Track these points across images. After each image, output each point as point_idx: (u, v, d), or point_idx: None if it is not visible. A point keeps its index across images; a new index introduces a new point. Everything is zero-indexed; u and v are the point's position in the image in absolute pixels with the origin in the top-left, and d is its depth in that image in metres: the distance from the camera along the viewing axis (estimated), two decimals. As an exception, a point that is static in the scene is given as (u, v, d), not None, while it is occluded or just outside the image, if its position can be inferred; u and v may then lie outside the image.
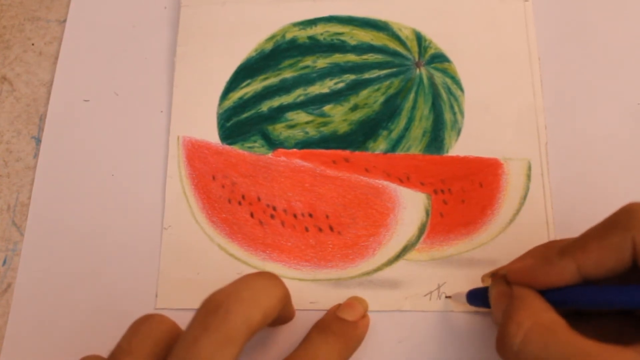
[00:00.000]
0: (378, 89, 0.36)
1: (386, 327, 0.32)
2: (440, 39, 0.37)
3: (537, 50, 0.37)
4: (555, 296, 0.25)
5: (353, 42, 0.37)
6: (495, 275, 0.28)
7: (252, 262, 0.33)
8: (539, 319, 0.24)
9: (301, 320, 0.31)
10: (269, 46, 0.38)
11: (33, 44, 0.40)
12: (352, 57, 0.37)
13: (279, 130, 0.36)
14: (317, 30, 0.38)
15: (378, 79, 0.36)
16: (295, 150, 0.35)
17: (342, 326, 0.29)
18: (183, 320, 0.25)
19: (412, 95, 0.36)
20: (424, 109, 0.36)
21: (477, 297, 0.29)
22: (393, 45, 0.37)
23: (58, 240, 0.34)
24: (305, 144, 0.36)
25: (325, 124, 0.36)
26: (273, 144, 0.36)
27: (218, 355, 0.22)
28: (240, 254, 0.33)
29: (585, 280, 0.25)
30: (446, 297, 0.32)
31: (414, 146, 0.35)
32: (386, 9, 0.38)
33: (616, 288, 0.23)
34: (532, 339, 0.23)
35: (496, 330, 0.25)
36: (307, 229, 0.34)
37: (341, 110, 0.36)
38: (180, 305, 0.33)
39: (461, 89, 0.36)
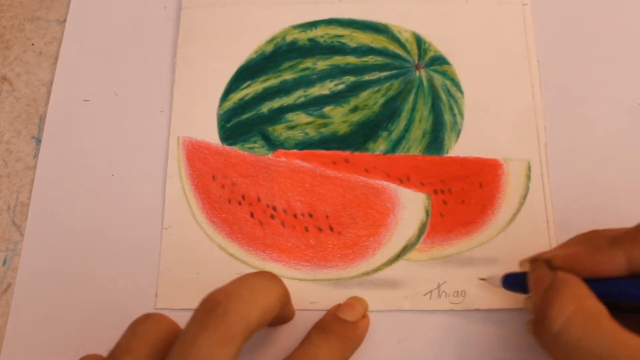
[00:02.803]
0: (378, 91, 0.36)
1: (386, 327, 0.32)
2: (439, 42, 0.37)
3: (536, 52, 0.37)
4: (598, 287, 0.24)
5: (353, 45, 0.37)
6: (535, 261, 0.28)
7: (252, 262, 0.33)
8: (583, 304, 0.23)
9: (301, 320, 0.31)
10: (270, 48, 0.38)
11: (33, 44, 0.40)
12: (352, 59, 0.37)
13: (279, 131, 0.36)
14: (318, 33, 0.38)
15: (378, 81, 0.36)
16: (295, 151, 0.35)
17: (342, 326, 0.29)
18: (183, 320, 0.25)
19: (411, 97, 0.36)
20: (423, 111, 0.36)
21: (515, 282, 0.29)
22: (393, 47, 0.37)
23: (58, 240, 0.34)
24: (305, 144, 0.36)
25: (325, 125, 0.36)
26: (273, 144, 0.36)
27: (217, 354, 0.22)
28: (240, 254, 0.33)
29: (632, 274, 0.24)
30: (480, 279, 0.32)
31: (414, 147, 0.35)
32: (386, 11, 0.38)
33: None
34: (575, 324, 0.23)
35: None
36: (307, 229, 0.34)
37: (341, 112, 0.36)
38: (180, 305, 0.33)
39: (460, 91, 0.36)
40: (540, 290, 0.26)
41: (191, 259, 0.34)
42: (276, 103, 0.36)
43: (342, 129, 0.36)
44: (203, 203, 0.35)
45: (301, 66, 0.37)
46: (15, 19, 0.40)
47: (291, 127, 0.36)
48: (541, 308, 0.24)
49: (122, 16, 0.40)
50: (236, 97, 0.37)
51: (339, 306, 0.31)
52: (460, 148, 0.35)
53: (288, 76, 0.37)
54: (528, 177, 0.34)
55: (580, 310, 0.23)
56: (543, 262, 0.27)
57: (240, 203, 0.34)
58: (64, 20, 0.40)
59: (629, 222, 0.26)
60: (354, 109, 0.36)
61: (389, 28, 0.38)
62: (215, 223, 0.34)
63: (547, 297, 0.24)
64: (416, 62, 0.37)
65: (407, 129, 0.36)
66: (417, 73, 0.37)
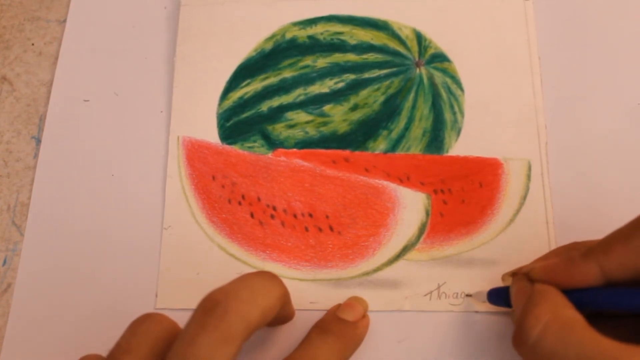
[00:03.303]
0: (378, 89, 0.36)
1: (386, 327, 0.32)
2: (440, 39, 0.37)
3: (537, 49, 0.37)
4: (577, 297, 0.25)
5: (353, 42, 0.37)
6: (516, 274, 0.28)
7: (252, 262, 0.33)
8: (558, 313, 0.24)
9: (301, 320, 0.31)
10: (269, 46, 0.38)
11: (33, 44, 0.40)
12: (352, 57, 0.37)
13: (279, 130, 0.36)
14: (317, 30, 0.38)
15: (378, 79, 0.36)
16: (295, 150, 0.35)
17: (342, 326, 0.29)
18: (183, 320, 0.25)
19: (412, 95, 0.36)
20: (423, 109, 0.36)
21: (499, 296, 0.29)
22: (393, 44, 0.37)
23: (58, 240, 0.34)
24: (305, 143, 0.36)
25: (325, 123, 0.36)
26: (273, 143, 0.36)
27: (216, 354, 0.22)
28: (240, 254, 0.33)
29: (608, 283, 0.24)
30: (466, 295, 0.32)
31: (414, 146, 0.35)
32: (386, 8, 0.38)
33: (638, 291, 0.23)
34: (550, 333, 0.23)
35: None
36: (307, 229, 0.34)
37: (341, 110, 0.36)
38: (180, 305, 0.33)
39: (461, 89, 0.36)
40: (520, 302, 0.26)
41: (191, 259, 0.34)
42: (276, 102, 0.36)
43: (342, 127, 0.36)
44: (203, 203, 0.35)
45: (301, 64, 0.37)
46: (15, 19, 0.40)
47: (291, 126, 0.36)
48: (519, 319, 0.25)
49: (122, 16, 0.40)
50: (236, 95, 0.37)
51: (339, 306, 0.31)
52: (460, 147, 0.35)
53: (288, 74, 0.37)
54: (528, 177, 0.34)
55: (555, 319, 0.23)
56: (523, 275, 0.27)
57: (240, 203, 0.34)
58: (64, 20, 0.40)
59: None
60: (354, 108, 0.36)
61: (389, 25, 0.37)
62: (215, 223, 0.34)
63: (524, 309, 0.25)
64: (416, 59, 0.37)
65: (407, 128, 0.35)
66: (418, 70, 0.36)
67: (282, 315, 0.29)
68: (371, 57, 0.37)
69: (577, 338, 0.22)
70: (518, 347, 0.25)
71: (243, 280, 0.25)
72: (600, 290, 0.24)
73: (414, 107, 0.36)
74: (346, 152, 0.35)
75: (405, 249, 0.33)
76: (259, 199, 0.34)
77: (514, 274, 0.28)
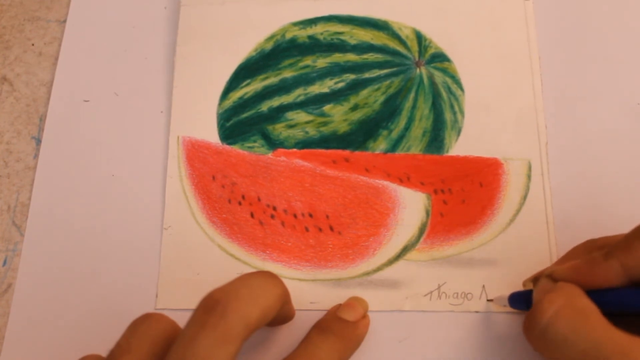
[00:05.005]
0: (378, 89, 0.36)
1: (386, 327, 0.32)
2: (440, 39, 0.37)
3: (538, 49, 0.37)
4: (601, 297, 0.24)
5: (353, 42, 0.37)
6: (537, 279, 0.28)
7: (252, 262, 0.33)
8: (572, 300, 0.23)
9: (301, 320, 0.31)
10: (269, 46, 0.38)
11: (33, 44, 0.40)
12: (352, 57, 0.37)
13: (279, 130, 0.36)
14: (317, 30, 0.38)
15: (378, 79, 0.36)
16: (295, 150, 0.35)
17: (342, 326, 0.29)
18: (183, 320, 0.25)
19: (412, 95, 0.36)
20: (424, 109, 0.36)
21: (520, 300, 0.29)
22: (393, 44, 0.37)
23: (58, 240, 0.34)
24: (305, 143, 0.36)
25: (325, 123, 0.36)
26: (273, 143, 0.36)
27: (216, 354, 0.22)
28: (240, 254, 0.33)
29: (632, 282, 0.24)
30: (488, 300, 0.32)
31: (414, 146, 0.35)
32: (386, 8, 0.38)
33: None
34: (562, 318, 0.23)
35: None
36: (307, 229, 0.34)
37: (341, 110, 0.36)
38: (180, 306, 0.33)
39: (461, 89, 0.36)
40: None
41: (191, 259, 0.34)
42: (276, 102, 0.36)
43: (342, 127, 0.36)
44: (203, 203, 0.35)
45: (301, 64, 0.37)
46: (15, 19, 0.40)
47: (291, 126, 0.36)
48: (533, 306, 0.24)
49: (122, 16, 0.40)
50: (236, 95, 0.37)
51: (339, 306, 0.31)
52: (460, 147, 0.35)
53: (288, 74, 0.37)
54: (528, 177, 0.34)
55: (569, 305, 0.23)
56: (546, 277, 0.27)
57: (240, 203, 0.34)
58: (64, 20, 0.40)
59: (629, 222, 0.25)
60: (354, 108, 0.36)
61: (389, 25, 0.37)
62: (215, 223, 0.34)
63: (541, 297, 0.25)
64: (417, 59, 0.37)
65: (407, 128, 0.35)
66: (418, 70, 0.36)
67: (282, 315, 0.29)
68: (371, 57, 0.37)
69: (588, 326, 0.22)
70: (528, 332, 0.24)
71: (243, 279, 0.25)
72: (622, 290, 0.24)
73: (414, 107, 0.36)
74: (346, 152, 0.35)
75: (405, 249, 0.33)
76: (259, 199, 0.34)
77: (535, 278, 0.28)
